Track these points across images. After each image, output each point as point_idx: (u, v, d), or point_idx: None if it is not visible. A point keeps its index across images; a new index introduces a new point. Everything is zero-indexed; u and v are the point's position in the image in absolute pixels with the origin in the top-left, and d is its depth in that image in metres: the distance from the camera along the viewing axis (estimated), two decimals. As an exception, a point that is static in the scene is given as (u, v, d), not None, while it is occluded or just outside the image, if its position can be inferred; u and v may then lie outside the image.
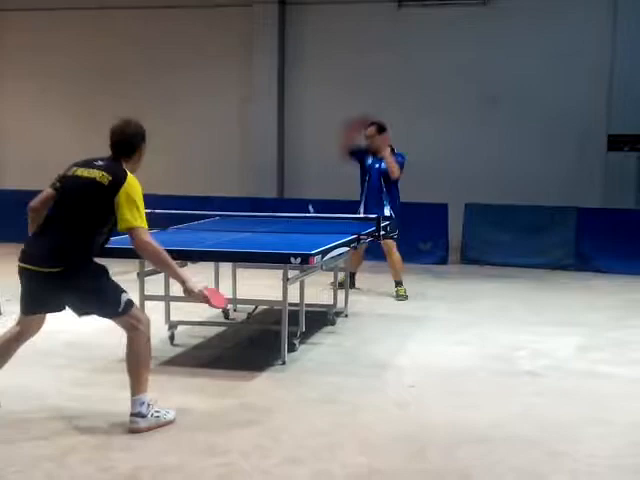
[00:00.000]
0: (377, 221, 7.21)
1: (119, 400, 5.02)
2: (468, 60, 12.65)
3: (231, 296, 7.49)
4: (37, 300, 4.60)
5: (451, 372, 5.88)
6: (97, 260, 4.62)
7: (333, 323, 7.29)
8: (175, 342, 6.52)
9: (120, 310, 4.53)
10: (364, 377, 5.75)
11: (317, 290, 7.88)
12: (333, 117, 12.90)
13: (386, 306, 8.32)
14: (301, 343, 6.43)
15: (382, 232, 7.29)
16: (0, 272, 7.54)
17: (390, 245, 8.66)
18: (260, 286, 7.69)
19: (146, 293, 6.16)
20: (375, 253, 9.28)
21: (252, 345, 6.69)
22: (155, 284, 6.36)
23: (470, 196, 11.61)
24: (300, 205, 9.41)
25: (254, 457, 4.22)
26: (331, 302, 7.49)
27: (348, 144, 8.82)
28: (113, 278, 4.65)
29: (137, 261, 6.07)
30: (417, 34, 12.84)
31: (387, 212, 8.66)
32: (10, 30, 14.47)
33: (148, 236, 4.46)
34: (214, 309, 6.89)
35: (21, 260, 4.53)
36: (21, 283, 4.61)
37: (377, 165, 8.73)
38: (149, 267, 6.17)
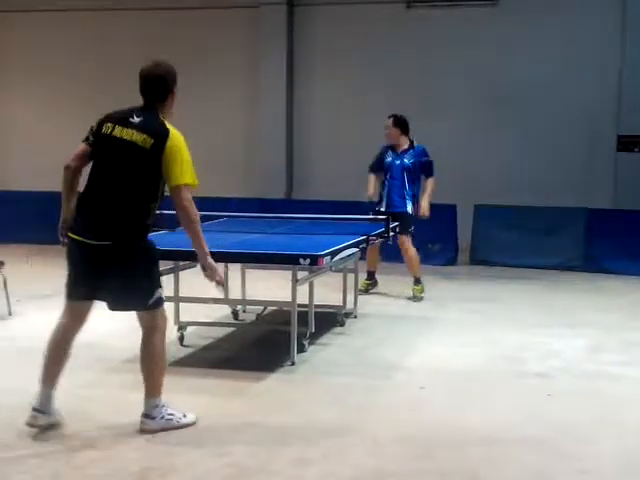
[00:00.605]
0: (386, 222, 7.21)
1: (130, 401, 5.03)
2: (478, 61, 12.62)
3: (240, 297, 7.51)
4: (81, 279, 4.35)
5: (461, 373, 5.87)
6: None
7: (342, 324, 7.28)
8: (185, 343, 6.52)
9: (150, 303, 4.37)
10: (373, 378, 5.74)
11: (327, 291, 7.87)
12: (342, 117, 12.99)
13: (395, 307, 8.31)
14: (310, 344, 6.43)
15: (392, 233, 7.29)
16: (11, 273, 7.58)
17: (403, 240, 8.55)
18: (269, 287, 7.69)
19: (155, 294, 6.14)
20: (387, 253, 9.24)
21: (261, 346, 6.69)
22: (164, 285, 6.35)
23: (479, 197, 11.59)
24: (308, 206, 9.43)
25: (262, 457, 4.22)
26: (340, 303, 7.49)
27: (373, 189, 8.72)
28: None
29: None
30: (426, 35, 12.82)
31: (409, 209, 8.59)
32: (16, 31, 14.51)
33: (190, 196, 4.23)
34: (222, 309, 6.93)
35: (72, 230, 4.30)
36: (69, 258, 4.37)
37: (398, 161, 8.62)
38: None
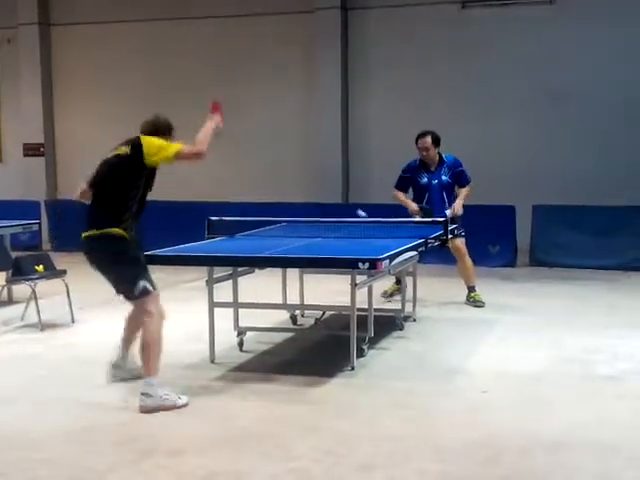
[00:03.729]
0: (444, 224, 7.13)
1: (191, 406, 5.06)
2: (534, 60, 12.45)
3: (299, 302, 7.50)
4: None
5: (525, 376, 5.77)
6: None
7: (401, 328, 7.23)
8: (244, 348, 6.54)
9: (136, 294, 5.01)
10: (435, 382, 5.68)
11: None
12: (398, 120, 12.92)
13: (454, 310, 8.22)
14: (370, 348, 6.39)
15: (450, 236, 7.20)
16: (73, 281, 7.71)
17: (459, 246, 8.33)
18: (327, 292, 7.67)
19: (215, 300, 6.19)
20: (440, 256, 9.14)
21: (320, 351, 6.67)
22: (224, 291, 6.40)
23: (537, 197, 11.42)
24: (366, 210, 9.37)
25: (326, 463, 4.20)
26: (399, 307, 7.43)
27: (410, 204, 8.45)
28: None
29: (205, 269, 6.12)
30: (481, 35, 12.69)
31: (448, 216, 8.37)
32: (74, 43, 14.80)
33: (186, 148, 5.06)
34: (281, 315, 6.94)
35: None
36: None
37: (435, 181, 8.35)
38: (217, 274, 6.23)
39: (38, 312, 7.28)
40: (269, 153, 13.72)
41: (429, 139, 8.34)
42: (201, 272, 6.49)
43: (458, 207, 8.29)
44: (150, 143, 5.04)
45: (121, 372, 5.55)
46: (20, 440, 4.59)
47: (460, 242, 8.35)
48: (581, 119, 12.37)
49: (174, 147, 5.05)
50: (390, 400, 5.26)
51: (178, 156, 5.04)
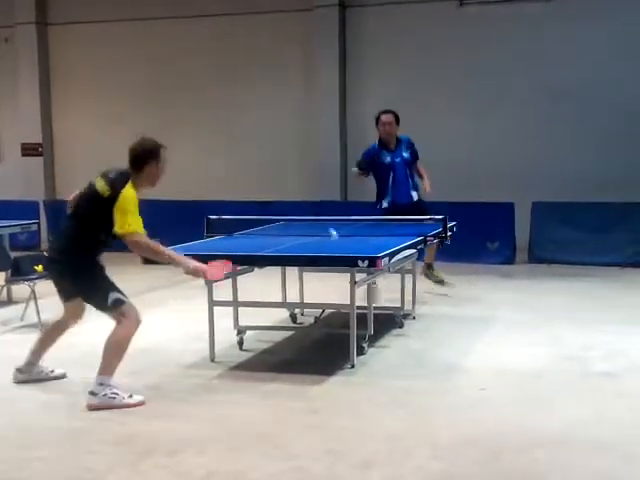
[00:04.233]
0: (444, 222, 7.14)
1: (190, 405, 5.07)
2: (533, 58, 12.43)
3: (298, 300, 7.51)
4: (55, 286, 5.38)
5: (523, 374, 5.78)
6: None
7: (401, 325, 7.24)
8: (244, 347, 6.55)
9: (109, 305, 5.13)
10: (434, 380, 5.69)
11: (385, 293, 7.83)
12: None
13: (453, 307, 8.23)
14: (370, 346, 6.41)
15: (449, 233, 7.22)
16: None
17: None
18: (327, 290, 7.68)
19: (215, 299, 6.20)
20: (439, 253, 9.13)
21: (320, 349, 6.68)
22: (223, 290, 6.41)
23: (536, 194, 11.43)
24: (365, 208, 9.39)
25: (325, 461, 4.21)
26: (398, 304, 7.44)
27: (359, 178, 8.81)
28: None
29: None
30: (479, 32, 12.68)
31: (415, 197, 8.71)
32: (71, 43, 14.79)
33: (136, 236, 5.04)
34: (281, 313, 6.95)
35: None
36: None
37: (398, 159, 8.65)
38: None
39: (37, 312, 7.29)
40: (268, 151, 13.71)
41: (392, 116, 8.68)
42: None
43: (428, 185, 8.70)
44: (123, 202, 5.03)
45: (25, 376, 5.61)
46: (18, 439, 4.60)
47: None
48: (580, 116, 12.37)
49: (127, 227, 5.02)
50: (390, 398, 5.27)
51: (120, 235, 5.05)
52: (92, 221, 5.16)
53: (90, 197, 5.18)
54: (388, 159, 8.64)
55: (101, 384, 5.05)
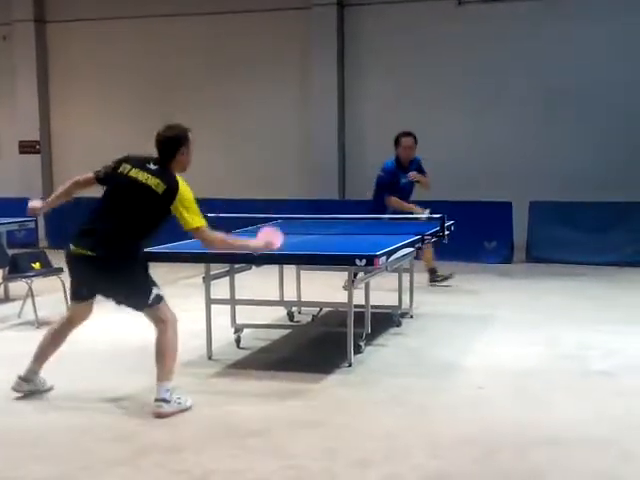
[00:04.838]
0: (441, 221, 7.14)
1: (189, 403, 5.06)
2: (531, 57, 12.45)
3: (296, 299, 7.51)
4: (81, 284, 5.09)
5: (521, 372, 5.78)
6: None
7: (399, 324, 7.24)
8: (241, 345, 6.54)
9: (150, 302, 4.93)
10: (431, 378, 5.69)
11: (383, 292, 7.82)
12: (394, 116, 12.90)
13: (451, 306, 8.23)
14: (367, 345, 6.40)
15: (446, 232, 7.22)
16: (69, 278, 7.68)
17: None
18: (324, 288, 7.68)
19: (212, 297, 6.19)
20: (437, 252, 9.16)
21: (318, 347, 6.68)
22: (221, 288, 6.40)
23: (534, 194, 11.44)
24: (363, 207, 9.40)
25: (323, 460, 4.20)
26: (396, 303, 7.44)
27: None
28: (155, 277, 5.05)
29: (202, 265, 6.13)
30: (477, 31, 12.68)
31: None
32: (70, 40, 14.77)
33: (207, 232, 4.95)
34: (278, 311, 6.94)
35: (74, 244, 4.96)
36: (70, 269, 5.12)
37: (406, 179, 8.76)
38: (214, 271, 6.24)
39: (35, 309, 7.28)
40: (266, 150, 13.71)
41: (412, 139, 8.79)
42: (198, 269, 6.50)
43: (415, 174, 8.77)
44: (184, 198, 4.88)
45: (29, 386, 5.23)
46: (16, 437, 4.59)
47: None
48: (578, 115, 12.38)
49: (198, 222, 4.90)
50: (387, 397, 5.27)
51: (194, 232, 4.93)
52: (145, 218, 4.95)
53: (140, 192, 4.89)
54: (404, 181, 8.78)
55: (167, 390, 4.89)
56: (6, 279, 7.89)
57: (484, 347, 6.56)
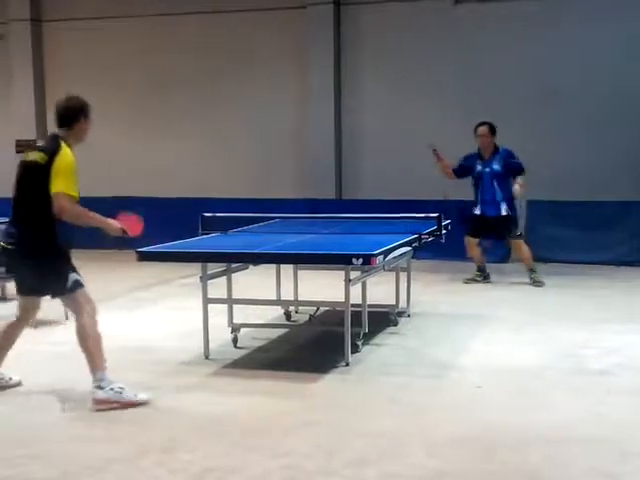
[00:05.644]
0: (438, 220, 7.13)
1: (184, 402, 5.06)
2: (527, 56, 12.43)
3: (293, 298, 7.50)
4: (15, 278, 5.22)
5: (518, 372, 5.78)
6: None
7: (396, 323, 7.23)
8: (238, 344, 6.54)
9: (68, 287, 4.95)
10: (429, 377, 5.69)
11: (379, 291, 7.82)
12: (391, 116, 12.92)
13: (448, 305, 8.23)
14: (364, 344, 6.40)
15: (444, 231, 7.20)
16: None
17: (519, 244, 9.24)
18: (321, 287, 7.67)
19: (209, 296, 6.18)
20: (434, 251, 9.16)
21: (315, 347, 6.68)
22: (218, 287, 6.40)
23: (531, 193, 11.42)
24: (359, 206, 9.40)
25: (319, 459, 4.20)
26: (393, 302, 7.44)
27: (448, 171, 9.26)
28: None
29: (199, 265, 6.12)
30: (474, 31, 12.66)
31: (504, 211, 9.07)
32: (66, 40, 14.73)
33: (67, 200, 4.86)
34: (275, 311, 6.94)
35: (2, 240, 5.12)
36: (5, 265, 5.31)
37: (488, 169, 9.05)
38: (211, 270, 6.23)
39: (31, 309, 7.25)
40: (262, 149, 13.68)
41: (486, 128, 9.19)
42: (195, 268, 6.48)
43: (517, 189, 9.03)
44: (61, 163, 4.89)
45: None
46: (13, 437, 4.58)
47: (517, 242, 9.24)
48: (575, 115, 12.36)
49: (63, 187, 4.86)
50: (384, 396, 5.27)
51: (55, 196, 4.85)
52: (40, 196, 4.91)
53: (30, 171, 4.98)
54: (479, 168, 9.12)
55: (100, 379, 4.92)
56: (2, 278, 7.86)
57: (481, 346, 6.56)
